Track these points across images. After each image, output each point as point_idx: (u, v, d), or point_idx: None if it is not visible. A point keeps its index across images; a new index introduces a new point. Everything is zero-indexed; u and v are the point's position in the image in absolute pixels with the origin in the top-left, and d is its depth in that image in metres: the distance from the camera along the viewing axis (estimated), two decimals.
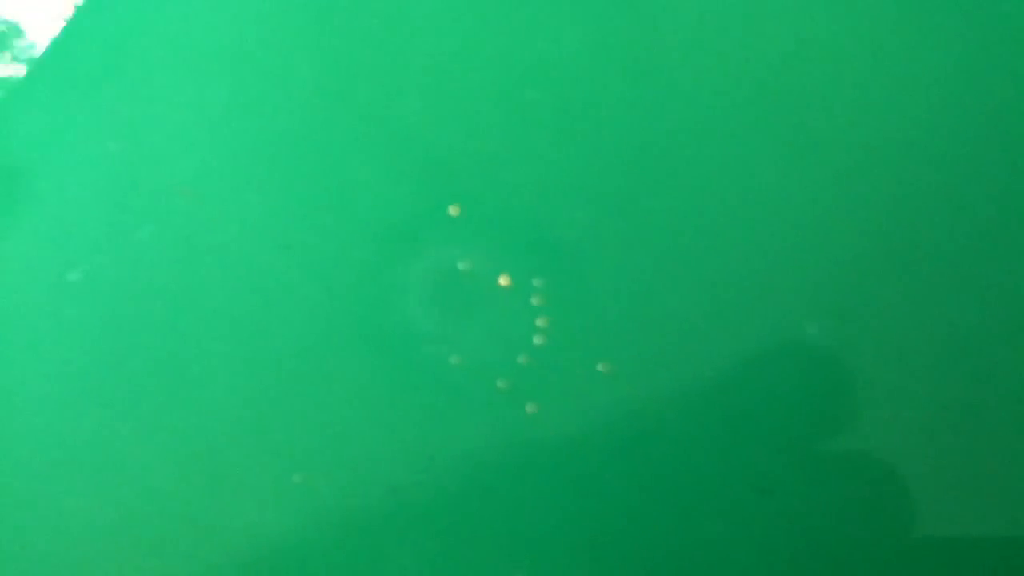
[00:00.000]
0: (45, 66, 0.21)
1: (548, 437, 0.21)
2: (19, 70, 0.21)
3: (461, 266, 0.21)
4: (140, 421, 0.21)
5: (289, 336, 0.21)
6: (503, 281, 0.21)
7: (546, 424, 0.21)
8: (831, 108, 0.21)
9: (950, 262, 0.21)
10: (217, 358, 0.21)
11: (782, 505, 0.21)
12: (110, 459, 0.21)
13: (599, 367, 0.21)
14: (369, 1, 0.22)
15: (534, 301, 0.21)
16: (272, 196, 0.21)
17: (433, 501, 0.21)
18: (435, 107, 0.21)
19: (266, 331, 0.21)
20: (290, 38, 0.21)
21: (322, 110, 0.21)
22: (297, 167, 0.21)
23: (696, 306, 0.21)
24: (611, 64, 0.21)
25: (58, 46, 0.21)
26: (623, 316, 0.21)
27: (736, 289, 0.21)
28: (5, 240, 0.21)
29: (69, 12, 0.22)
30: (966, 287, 0.21)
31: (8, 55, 0.22)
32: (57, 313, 0.21)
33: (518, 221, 0.21)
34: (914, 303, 0.21)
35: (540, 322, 0.21)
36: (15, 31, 0.22)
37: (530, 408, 0.21)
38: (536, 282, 0.21)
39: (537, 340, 0.21)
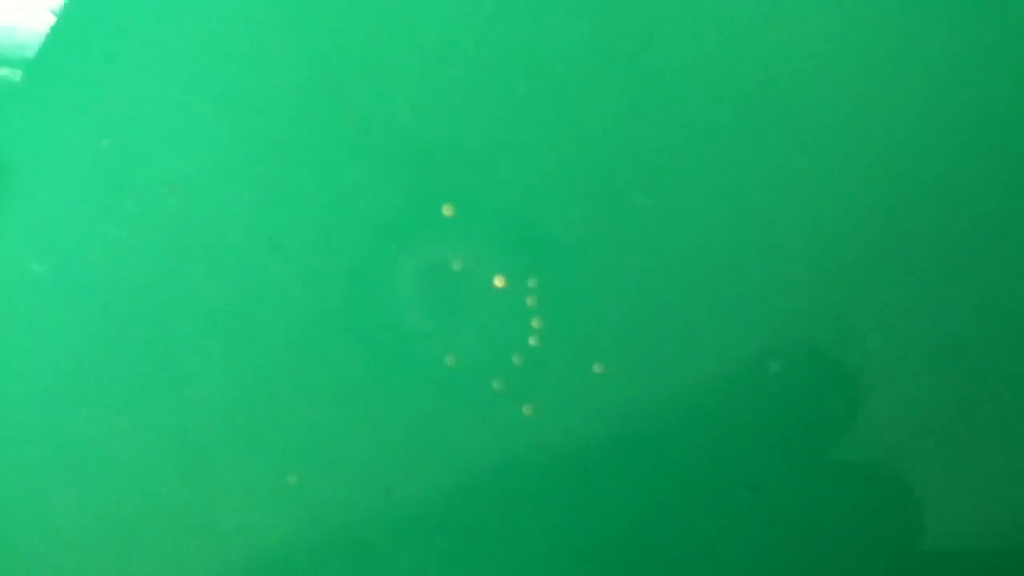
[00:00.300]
0: (35, 62, 0.21)
1: (543, 437, 0.21)
2: (9, 66, 0.21)
3: (455, 266, 0.21)
4: (131, 420, 0.21)
5: (283, 336, 0.21)
6: (498, 282, 0.21)
7: (541, 424, 0.21)
8: (829, 107, 0.21)
9: (947, 261, 0.21)
10: (209, 357, 0.21)
11: (775, 502, 0.21)
12: (100, 459, 0.21)
13: (594, 367, 0.21)
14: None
15: (529, 302, 0.21)
16: (264, 194, 0.21)
17: (429, 501, 0.21)
18: (428, 105, 0.21)
19: (259, 330, 0.21)
20: (281, 36, 0.21)
21: (314, 108, 0.21)
22: (289, 166, 0.21)
23: (691, 306, 0.21)
24: (606, 62, 0.21)
25: (48, 41, 0.21)
26: (618, 317, 0.21)
27: (731, 289, 0.21)
28: None
29: (59, 7, 0.21)
30: (963, 286, 0.21)
31: None
32: (47, 310, 0.21)
33: (513, 221, 0.21)
34: (911, 302, 0.21)
35: (535, 323, 0.21)
36: (5, 28, 0.21)
37: (525, 408, 0.21)
38: (531, 283, 0.21)
39: (532, 341, 0.21)
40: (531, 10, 0.21)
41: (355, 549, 0.21)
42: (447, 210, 0.21)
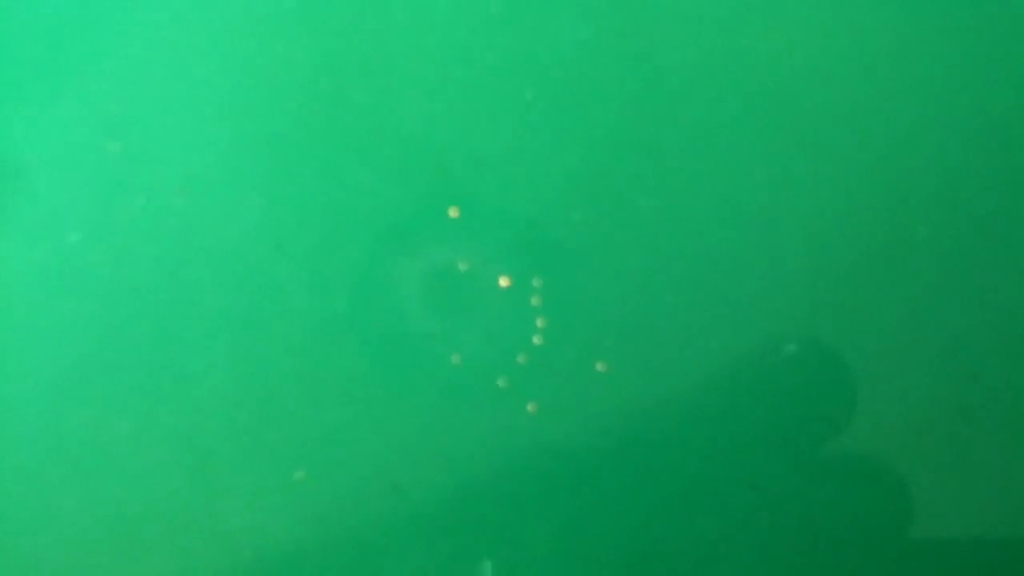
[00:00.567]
0: (44, 64, 0.21)
1: (547, 434, 0.21)
2: (14, 67, 0.21)
3: (461, 267, 0.21)
4: (137, 420, 0.21)
5: (289, 336, 0.21)
6: (503, 282, 0.21)
7: (545, 422, 0.21)
8: (830, 110, 0.21)
9: (946, 262, 0.21)
10: (216, 356, 0.21)
11: (776, 501, 0.21)
12: (106, 459, 0.21)
13: (598, 366, 0.21)
14: (366, 2, 0.22)
15: (533, 301, 0.21)
16: (270, 196, 0.21)
17: (434, 498, 0.21)
18: (435, 109, 0.21)
19: (265, 330, 0.21)
20: (288, 40, 0.21)
21: (319, 110, 0.21)
22: (296, 168, 0.21)
23: (694, 306, 0.21)
24: (610, 67, 0.21)
25: (57, 43, 0.21)
26: (621, 317, 0.21)
27: (733, 289, 0.21)
28: (1, 237, 0.21)
29: (68, 8, 0.21)
30: (962, 287, 0.21)
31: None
32: (51, 310, 0.21)
33: (518, 222, 0.21)
34: (910, 303, 0.21)
35: (539, 322, 0.21)
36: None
37: (530, 406, 0.21)
38: (535, 282, 0.21)
39: (536, 340, 0.21)
40: (536, 15, 0.21)
41: (361, 546, 0.21)
42: (453, 211, 0.21)
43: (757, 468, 0.21)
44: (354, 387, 0.21)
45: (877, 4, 0.21)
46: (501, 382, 0.21)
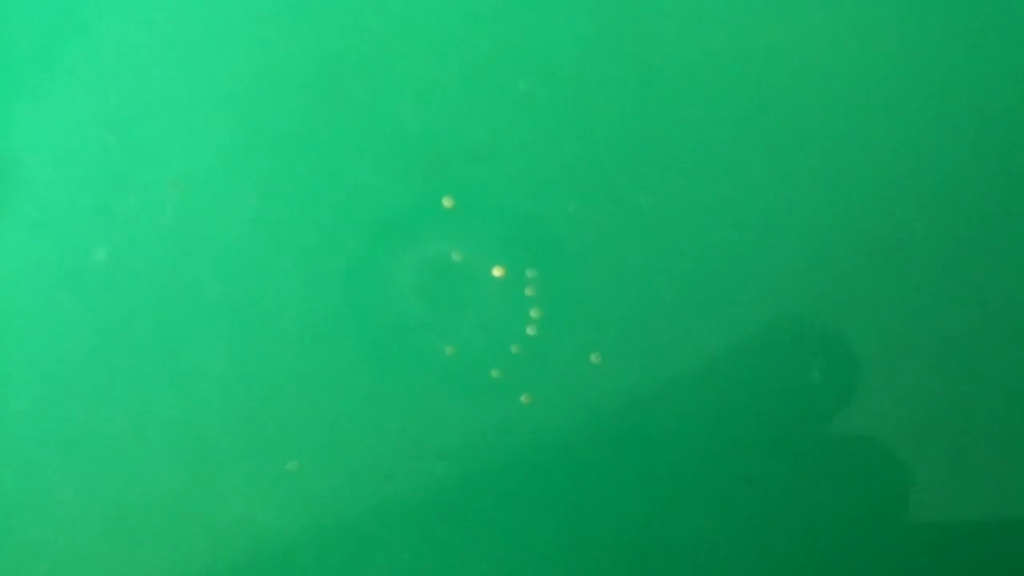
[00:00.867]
0: (40, 57, 0.21)
1: (541, 425, 0.21)
2: (9, 60, 0.21)
3: (454, 257, 0.21)
4: (133, 412, 0.21)
5: (284, 327, 0.21)
6: (496, 272, 0.21)
7: (539, 413, 0.21)
8: (828, 107, 0.21)
9: (944, 259, 0.21)
10: (211, 348, 0.21)
11: (770, 495, 0.21)
12: (102, 449, 0.21)
13: (591, 358, 0.21)
14: None
15: (527, 292, 0.21)
16: (265, 187, 0.21)
17: (428, 489, 0.21)
18: (429, 100, 0.21)
19: (260, 321, 0.21)
20: (283, 32, 0.21)
21: (315, 103, 0.21)
22: (290, 159, 0.21)
23: (689, 299, 0.21)
24: (605, 59, 0.21)
25: (53, 37, 0.21)
26: (616, 308, 0.21)
27: (729, 282, 0.21)
28: None
29: (65, 2, 0.21)
30: (960, 284, 0.21)
31: None
32: (48, 304, 0.21)
33: (511, 213, 0.21)
34: (907, 299, 0.21)
35: (533, 313, 0.21)
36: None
37: (524, 397, 0.21)
38: (529, 273, 0.21)
39: (530, 331, 0.21)
40: (532, 7, 0.21)
41: (354, 536, 0.21)
42: (447, 202, 0.21)
43: (751, 462, 0.21)
44: (347, 378, 0.21)
45: (876, 1, 0.21)
46: (495, 373, 0.21)
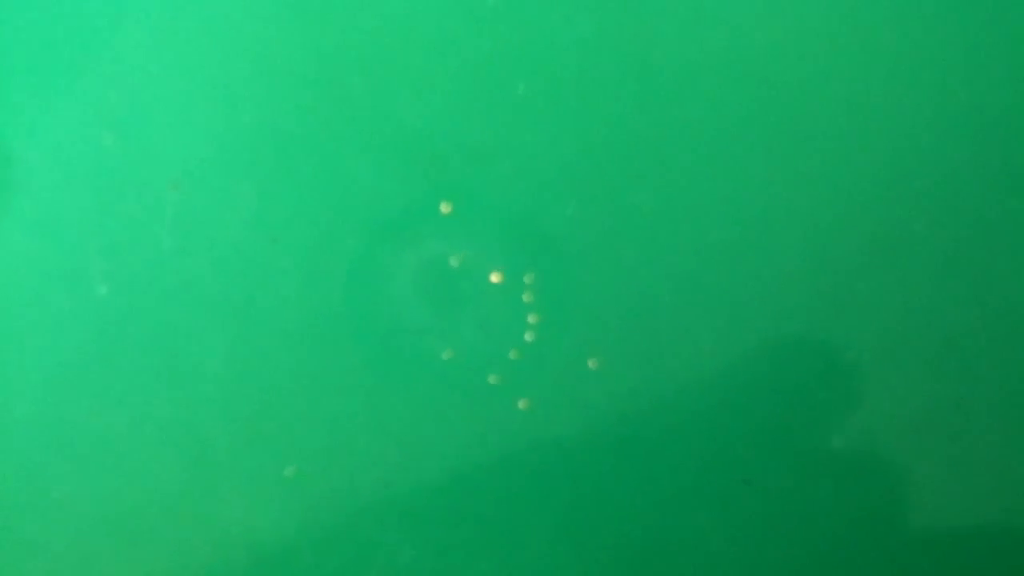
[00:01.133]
0: (37, 57, 0.21)
1: (539, 430, 0.21)
2: (8, 60, 0.21)
3: (453, 262, 0.21)
4: (132, 413, 0.21)
5: (282, 330, 0.21)
6: (494, 277, 0.21)
7: (537, 418, 0.21)
8: (827, 107, 0.21)
9: (943, 260, 0.21)
10: (209, 350, 0.21)
11: (768, 497, 0.21)
12: (100, 452, 0.21)
13: (589, 363, 0.21)
14: None
15: (525, 298, 0.21)
16: (264, 190, 0.21)
17: (425, 493, 0.21)
18: (428, 103, 0.21)
19: (258, 324, 0.21)
20: (282, 33, 0.21)
21: (314, 105, 0.21)
22: (289, 162, 0.21)
23: (687, 303, 0.21)
24: (604, 61, 0.21)
25: (51, 36, 0.21)
26: (614, 313, 0.21)
27: (727, 285, 0.21)
28: None
29: (63, 1, 0.21)
30: (959, 285, 0.21)
31: None
32: (46, 304, 0.21)
33: (510, 218, 0.21)
34: (903, 298, 0.21)
35: (531, 318, 0.21)
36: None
37: (521, 402, 0.21)
38: (527, 279, 0.21)
39: (528, 336, 0.21)
40: (532, 7, 0.21)
41: (352, 540, 0.21)
42: (445, 207, 0.21)
43: (750, 463, 0.21)
44: (345, 382, 0.21)
45: (875, 1, 0.21)
46: (492, 378, 0.21)
